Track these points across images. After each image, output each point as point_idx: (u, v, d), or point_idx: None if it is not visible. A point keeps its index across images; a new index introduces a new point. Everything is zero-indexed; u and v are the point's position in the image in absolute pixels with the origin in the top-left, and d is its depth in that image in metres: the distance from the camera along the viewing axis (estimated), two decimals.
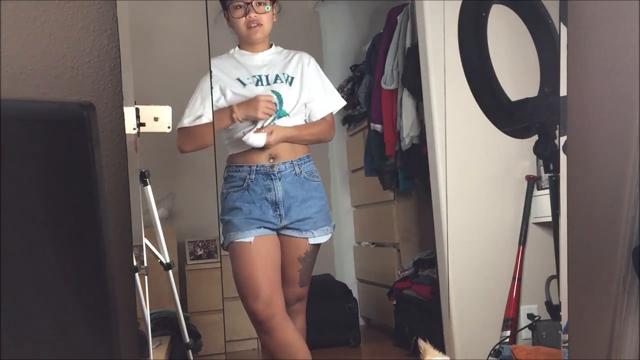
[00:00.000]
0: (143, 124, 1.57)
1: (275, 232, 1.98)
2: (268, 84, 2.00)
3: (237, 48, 2.06)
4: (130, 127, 1.53)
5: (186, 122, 1.94)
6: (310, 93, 2.05)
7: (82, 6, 1.53)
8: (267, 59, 2.04)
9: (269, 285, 1.90)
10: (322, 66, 2.17)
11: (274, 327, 1.89)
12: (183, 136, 1.94)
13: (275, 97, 1.97)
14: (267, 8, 1.98)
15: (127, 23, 1.53)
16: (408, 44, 2.59)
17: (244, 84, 1.99)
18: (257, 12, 1.97)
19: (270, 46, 2.07)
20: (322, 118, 2.09)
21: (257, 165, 1.96)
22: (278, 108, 1.97)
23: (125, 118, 1.53)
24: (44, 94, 1.50)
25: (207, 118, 1.93)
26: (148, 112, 1.58)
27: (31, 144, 1.03)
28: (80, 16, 1.53)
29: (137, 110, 1.55)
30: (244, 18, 1.98)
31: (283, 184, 1.96)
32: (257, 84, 1.99)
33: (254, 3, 1.96)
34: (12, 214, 1.01)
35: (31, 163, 1.04)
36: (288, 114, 1.99)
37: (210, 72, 1.96)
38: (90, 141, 1.05)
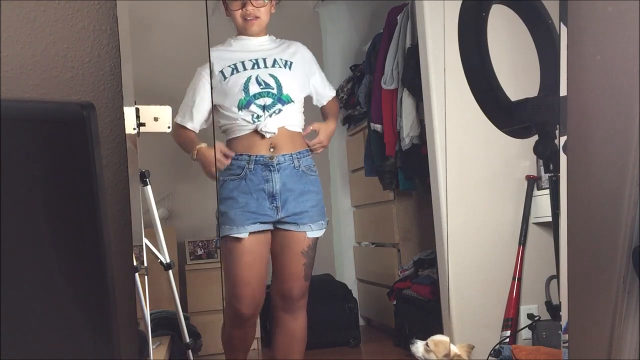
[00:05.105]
0: (143, 124, 1.56)
1: (270, 226, 2.00)
2: (265, 67, 2.01)
3: (235, 35, 2.08)
4: (130, 127, 1.53)
5: (179, 120, 1.97)
6: (312, 78, 2.11)
7: (82, 6, 1.53)
8: (264, 44, 2.07)
9: (256, 286, 1.97)
10: (322, 66, 2.17)
11: (252, 325, 2.01)
12: (174, 130, 1.93)
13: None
14: (265, 0, 1.99)
15: (127, 23, 1.53)
16: (408, 44, 2.59)
17: (238, 70, 2.00)
18: (254, 6, 1.98)
19: (267, 35, 2.09)
20: (332, 99, 2.20)
21: (256, 155, 1.97)
22: (277, 93, 1.99)
23: (125, 118, 1.53)
24: (44, 94, 1.50)
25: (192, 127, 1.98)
26: (148, 112, 1.58)
27: (31, 144, 1.03)
28: (80, 16, 1.53)
29: (137, 110, 1.55)
30: (241, 10, 1.99)
31: (281, 176, 1.98)
32: (253, 67, 2.01)
33: None
34: (12, 214, 1.01)
35: (31, 163, 1.04)
36: (293, 101, 2.02)
37: (211, 72, 1.97)
38: (90, 141, 1.05)
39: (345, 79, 3.09)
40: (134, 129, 1.54)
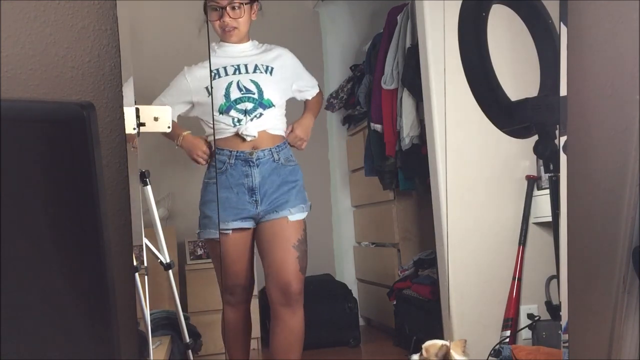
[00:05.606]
0: (143, 124, 1.56)
1: (252, 223, 2.05)
2: (247, 72, 2.05)
3: (219, 42, 2.11)
4: (130, 127, 1.53)
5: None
6: (298, 81, 2.15)
7: (82, 6, 1.53)
8: (247, 51, 2.10)
9: (243, 278, 2.07)
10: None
11: (243, 309, 2.12)
12: None
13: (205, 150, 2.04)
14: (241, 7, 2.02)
15: (127, 23, 1.53)
16: (408, 44, 2.59)
17: (220, 75, 2.04)
18: (231, 17, 2.02)
19: (249, 40, 2.12)
20: (317, 94, 2.24)
21: (237, 151, 2.02)
22: (258, 97, 2.03)
23: (125, 118, 1.53)
24: (44, 94, 1.50)
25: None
26: (148, 112, 1.58)
27: (31, 144, 1.03)
28: (80, 16, 1.53)
29: (137, 110, 1.55)
30: (219, 21, 2.03)
31: (261, 171, 2.03)
32: (235, 73, 2.04)
33: (228, 8, 2.00)
34: (12, 214, 1.01)
35: (31, 163, 1.04)
36: (274, 105, 2.06)
37: (211, 72, 1.98)
38: (90, 141, 1.05)
39: (345, 79, 3.09)
40: (134, 129, 1.54)
